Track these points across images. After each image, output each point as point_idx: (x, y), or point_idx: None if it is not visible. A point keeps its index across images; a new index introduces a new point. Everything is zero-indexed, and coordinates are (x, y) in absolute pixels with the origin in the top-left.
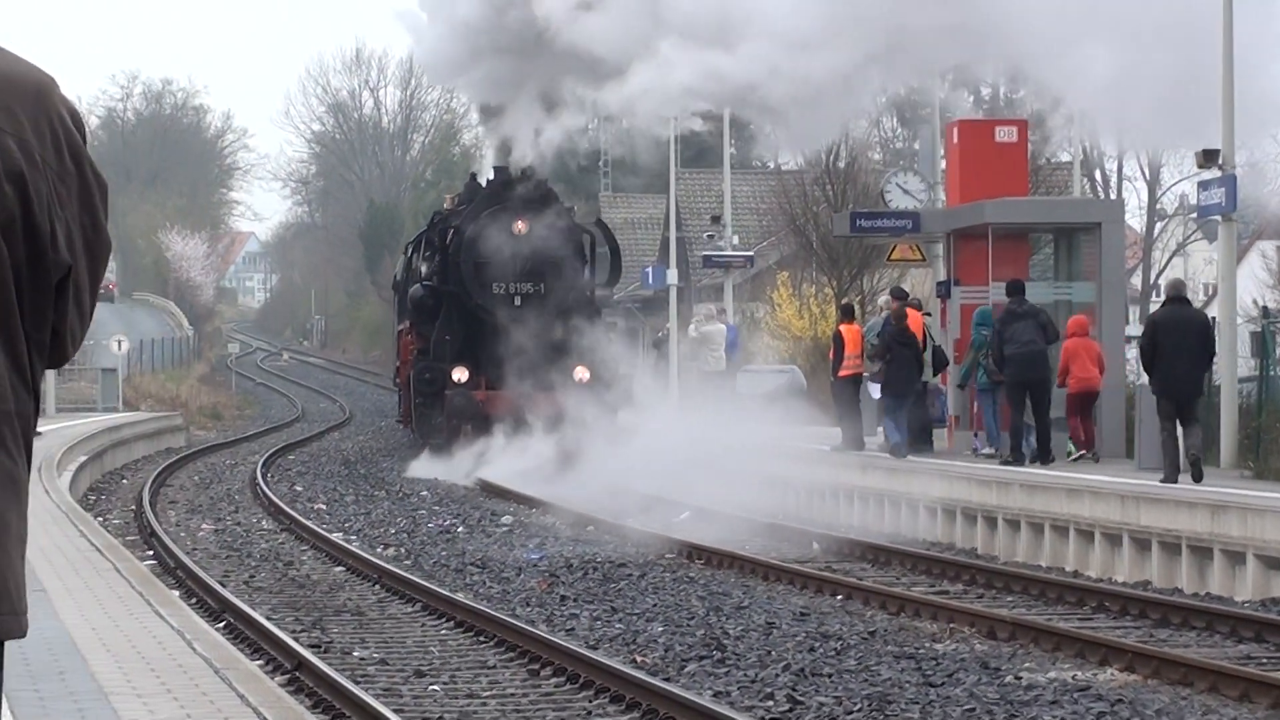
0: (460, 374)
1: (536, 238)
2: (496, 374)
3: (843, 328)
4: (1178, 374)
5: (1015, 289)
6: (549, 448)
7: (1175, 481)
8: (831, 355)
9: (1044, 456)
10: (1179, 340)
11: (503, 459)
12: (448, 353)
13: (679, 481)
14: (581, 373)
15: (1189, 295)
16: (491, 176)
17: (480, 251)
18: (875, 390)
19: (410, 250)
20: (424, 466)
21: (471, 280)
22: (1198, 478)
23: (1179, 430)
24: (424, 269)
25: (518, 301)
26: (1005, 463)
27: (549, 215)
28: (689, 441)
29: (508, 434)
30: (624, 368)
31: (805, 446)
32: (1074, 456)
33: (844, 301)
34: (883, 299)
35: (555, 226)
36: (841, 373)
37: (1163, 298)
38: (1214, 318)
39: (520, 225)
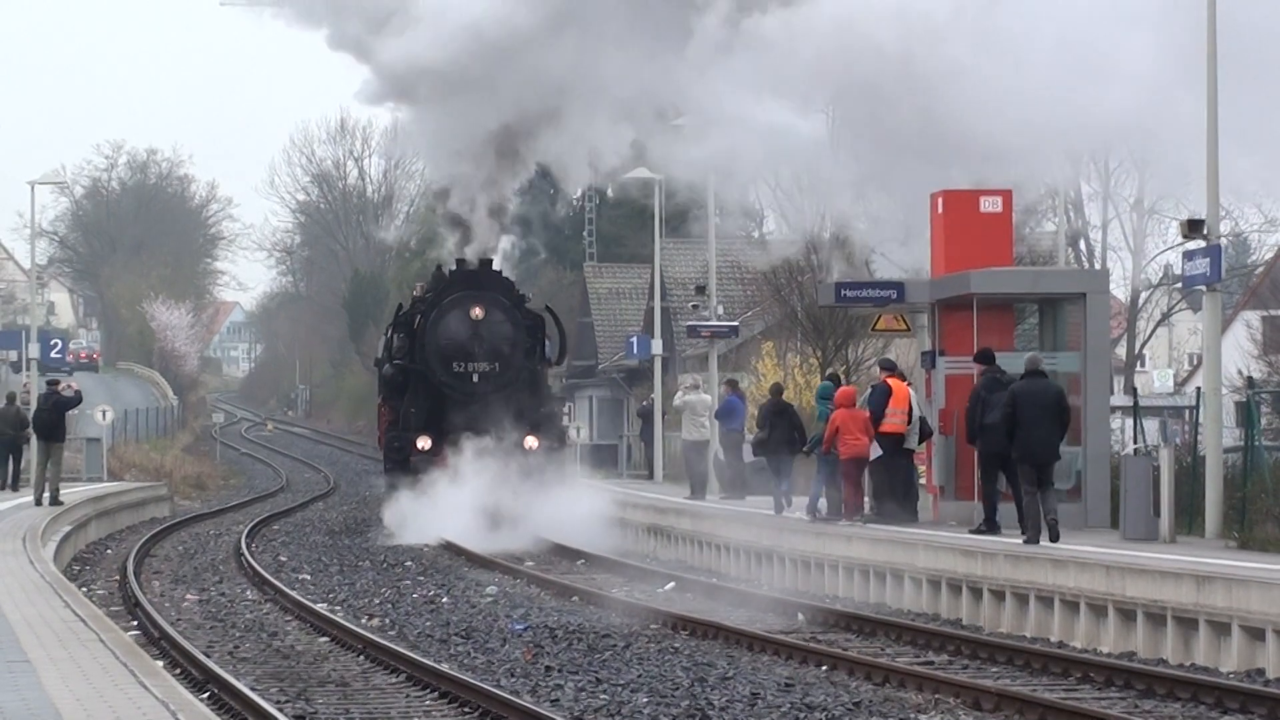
0: (424, 442)
1: (492, 322)
2: (455, 442)
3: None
4: (1036, 441)
5: (988, 358)
6: (502, 509)
7: (1037, 543)
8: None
9: (1025, 527)
10: (1037, 410)
11: (459, 519)
12: (413, 423)
13: (649, 546)
14: (531, 441)
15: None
16: (454, 267)
17: (443, 334)
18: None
19: (390, 332)
20: (389, 524)
21: (435, 359)
22: (1054, 538)
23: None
24: (395, 349)
25: (475, 379)
26: (977, 532)
27: (504, 302)
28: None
29: (463, 494)
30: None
31: (789, 515)
32: (858, 520)
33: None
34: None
35: (509, 311)
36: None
37: (1022, 371)
38: (1194, 393)
39: (478, 311)
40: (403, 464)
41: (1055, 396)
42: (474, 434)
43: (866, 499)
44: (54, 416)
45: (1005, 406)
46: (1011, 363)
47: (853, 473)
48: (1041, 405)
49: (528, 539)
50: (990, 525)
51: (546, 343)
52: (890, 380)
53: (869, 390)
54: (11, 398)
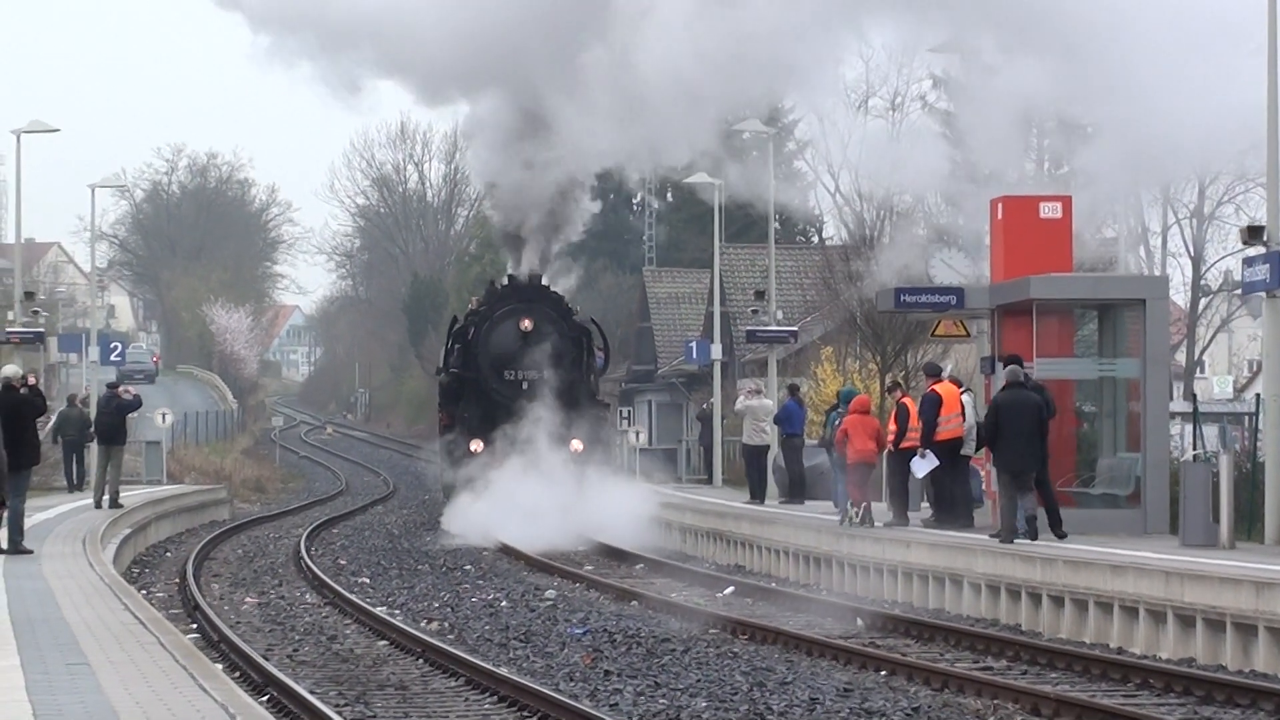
0: (476, 446)
1: (541, 333)
2: (506, 446)
3: (906, 400)
4: (1015, 451)
5: (1016, 363)
6: (552, 510)
7: (1011, 542)
8: (894, 427)
9: (1056, 528)
10: (1016, 420)
11: (511, 518)
12: (468, 428)
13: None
14: (576, 445)
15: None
16: (506, 282)
17: (494, 344)
18: (919, 469)
19: (449, 343)
20: (445, 523)
21: (487, 368)
22: (1033, 536)
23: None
24: (453, 359)
25: (525, 386)
26: (993, 536)
27: (551, 314)
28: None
29: (514, 495)
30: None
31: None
32: (855, 521)
33: (890, 378)
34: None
35: (557, 324)
36: (904, 445)
37: (1003, 382)
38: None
39: (527, 323)
40: (458, 466)
41: (1034, 409)
42: (524, 438)
43: (925, 503)
44: (116, 419)
45: (987, 416)
46: (1072, 368)
47: (857, 476)
48: (1020, 417)
49: (577, 539)
50: (1030, 530)
51: (597, 352)
52: (938, 388)
53: (919, 400)
54: (73, 399)
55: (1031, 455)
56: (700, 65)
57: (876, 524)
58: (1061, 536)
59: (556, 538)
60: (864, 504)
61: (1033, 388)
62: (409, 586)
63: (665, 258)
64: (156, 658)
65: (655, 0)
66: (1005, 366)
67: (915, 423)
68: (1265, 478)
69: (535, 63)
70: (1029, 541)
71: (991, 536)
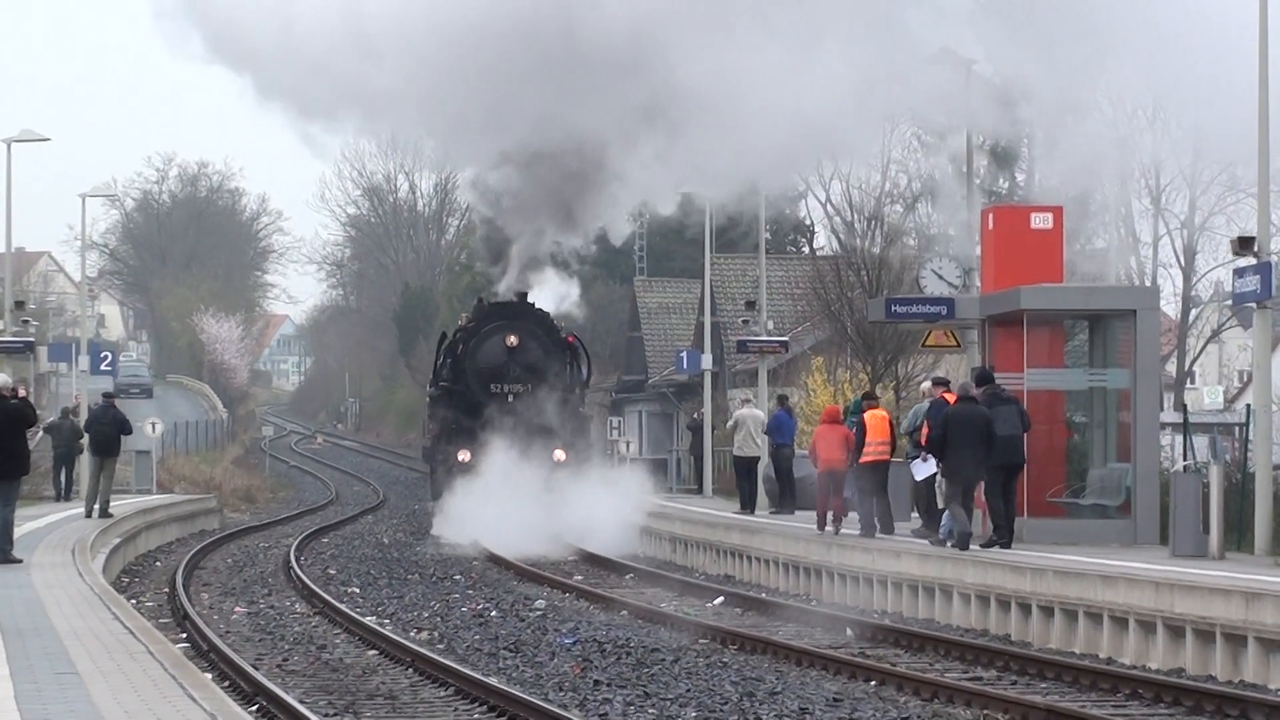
0: (464, 455)
1: (526, 348)
2: (493, 456)
3: (866, 415)
4: (963, 462)
5: (987, 378)
6: (535, 516)
7: (966, 549)
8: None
9: (1009, 539)
10: (965, 434)
11: (496, 525)
12: (456, 439)
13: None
14: (559, 454)
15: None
16: (494, 299)
17: (482, 359)
18: (919, 471)
19: (440, 358)
20: (435, 529)
21: (475, 381)
22: (963, 546)
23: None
24: (442, 373)
25: (510, 398)
26: (939, 543)
27: (537, 331)
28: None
29: (499, 502)
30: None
31: (840, 531)
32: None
33: (866, 390)
34: (924, 385)
35: (541, 339)
36: (862, 460)
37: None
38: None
39: (513, 338)
40: (446, 475)
41: (982, 422)
42: (509, 448)
43: (915, 514)
44: (112, 431)
45: (938, 429)
46: (1062, 378)
47: (826, 484)
48: (969, 430)
49: (566, 548)
50: (962, 539)
51: (581, 367)
52: (948, 395)
53: (925, 405)
54: (65, 412)
55: (978, 466)
56: (765, 148)
57: (843, 531)
58: (1006, 546)
59: (542, 546)
60: (834, 512)
61: (1009, 398)
62: (399, 596)
63: (655, 268)
64: (146, 667)
65: (727, 110)
66: (973, 379)
67: (880, 436)
68: (1255, 488)
69: (588, 140)
70: (956, 549)
71: (933, 543)
